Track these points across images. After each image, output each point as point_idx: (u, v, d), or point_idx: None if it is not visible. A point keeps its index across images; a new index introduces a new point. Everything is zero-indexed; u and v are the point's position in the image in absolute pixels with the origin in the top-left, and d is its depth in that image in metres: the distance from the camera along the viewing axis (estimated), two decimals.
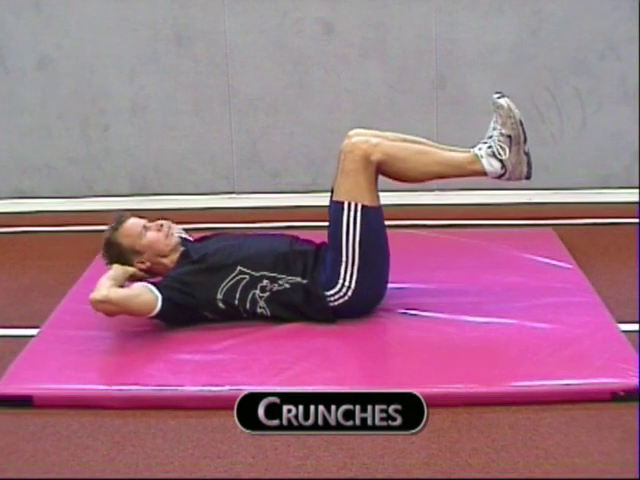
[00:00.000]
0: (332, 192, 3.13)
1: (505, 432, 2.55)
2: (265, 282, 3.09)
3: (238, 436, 2.56)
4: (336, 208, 3.08)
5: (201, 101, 4.61)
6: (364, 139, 3.08)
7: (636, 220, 4.13)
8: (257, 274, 3.10)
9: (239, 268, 3.10)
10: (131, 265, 3.16)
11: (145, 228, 3.20)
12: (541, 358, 2.84)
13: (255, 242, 3.23)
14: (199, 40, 4.54)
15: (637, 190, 4.46)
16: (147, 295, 3.02)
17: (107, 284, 3.01)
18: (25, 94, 4.63)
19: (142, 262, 3.17)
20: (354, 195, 3.06)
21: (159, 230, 3.21)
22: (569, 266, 3.55)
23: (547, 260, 3.60)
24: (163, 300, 3.02)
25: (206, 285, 3.09)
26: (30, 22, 4.54)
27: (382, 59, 4.52)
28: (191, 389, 2.76)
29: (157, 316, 3.05)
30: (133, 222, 3.22)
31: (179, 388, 2.75)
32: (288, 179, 4.66)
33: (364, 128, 3.18)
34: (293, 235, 3.29)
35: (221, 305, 3.10)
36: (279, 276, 3.10)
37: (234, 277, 3.10)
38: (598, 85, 4.49)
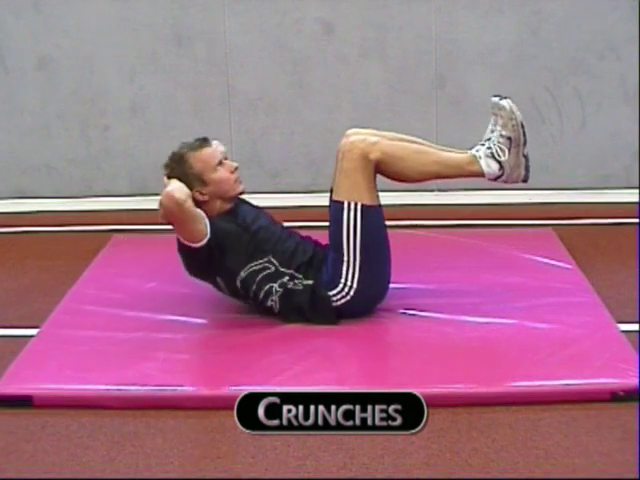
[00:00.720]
0: (331, 192, 3.13)
1: (505, 432, 2.55)
2: (286, 279, 3.09)
3: (238, 436, 2.56)
4: (336, 208, 3.08)
5: (201, 101, 4.61)
6: (362, 138, 3.07)
7: (636, 220, 4.13)
8: (282, 269, 3.09)
9: (270, 257, 3.10)
10: (190, 188, 3.06)
11: (220, 163, 3.14)
12: (541, 358, 2.84)
13: (290, 239, 3.19)
14: (199, 40, 4.54)
15: (637, 190, 4.46)
16: (203, 228, 3.00)
17: (187, 192, 2.97)
18: (25, 94, 4.63)
19: (202, 193, 3.11)
20: (354, 195, 3.05)
21: (232, 172, 3.17)
22: (569, 266, 3.55)
23: (547, 260, 3.60)
24: (208, 241, 3.01)
25: (238, 257, 3.07)
26: (30, 22, 4.54)
27: (382, 59, 4.52)
28: (191, 389, 2.76)
29: (191, 249, 3.02)
30: (213, 151, 3.14)
31: (179, 388, 2.75)
32: (288, 179, 4.66)
33: (364, 128, 3.18)
34: (316, 241, 3.25)
35: (238, 283, 3.09)
36: (298, 277, 3.09)
37: (262, 263, 3.09)
38: (598, 85, 4.49)
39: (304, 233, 3.34)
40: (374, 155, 3.04)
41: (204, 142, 3.16)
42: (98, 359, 2.95)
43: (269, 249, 3.11)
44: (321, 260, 3.14)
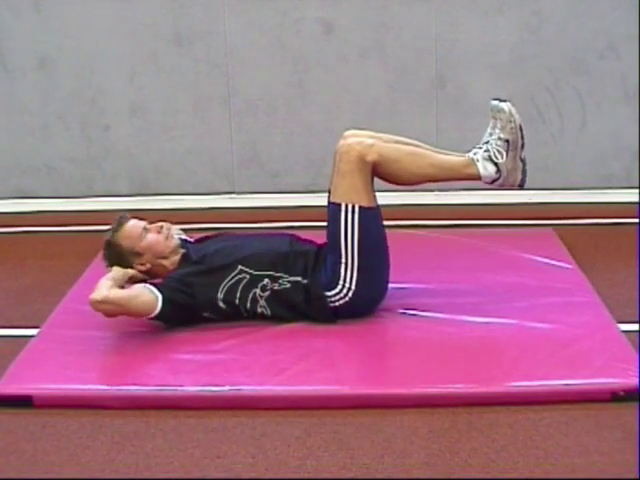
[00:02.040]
0: (329, 193, 3.13)
1: (505, 432, 2.55)
2: (266, 281, 3.10)
3: (238, 436, 2.56)
4: (334, 210, 3.08)
5: (201, 101, 4.61)
6: (359, 140, 3.08)
7: (636, 220, 4.13)
8: (257, 273, 3.10)
9: (240, 267, 3.11)
10: (131, 267, 3.16)
11: (145, 230, 3.21)
12: (541, 358, 2.84)
13: (256, 242, 3.23)
14: (199, 40, 4.54)
15: (637, 190, 4.46)
16: (147, 296, 3.02)
17: (107, 284, 3.01)
18: (25, 94, 4.63)
19: (142, 264, 3.18)
20: (351, 196, 3.06)
21: (159, 232, 3.22)
22: (569, 266, 3.55)
23: (547, 260, 3.60)
24: (164, 300, 3.02)
25: (207, 285, 3.09)
26: (30, 22, 4.54)
27: (382, 59, 4.52)
28: (191, 389, 2.76)
29: (157, 317, 3.05)
30: (133, 224, 3.22)
31: (179, 388, 2.75)
32: (288, 179, 4.66)
33: (364, 128, 3.19)
34: (293, 234, 3.30)
35: (222, 305, 3.10)
36: (279, 275, 3.10)
37: (235, 276, 3.10)
38: (598, 85, 4.49)
39: (304, 233, 3.34)
40: (371, 157, 3.04)
41: (121, 220, 3.23)
42: (98, 359, 2.95)
43: (233, 261, 3.12)
44: (315, 258, 3.14)
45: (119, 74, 4.59)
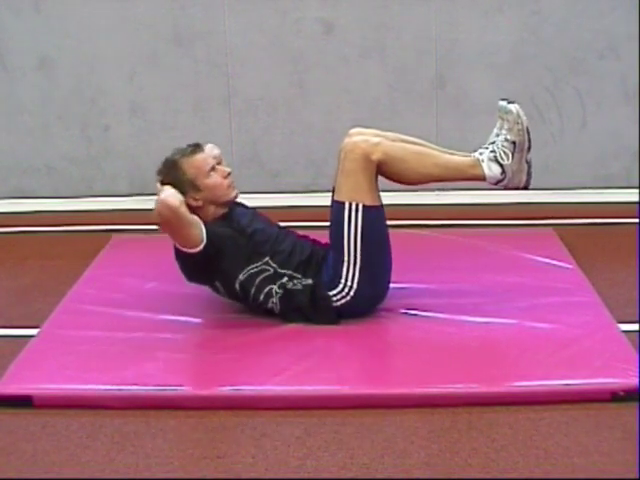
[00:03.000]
0: (333, 191, 3.13)
1: (505, 432, 2.55)
2: (285, 279, 3.09)
3: (238, 436, 2.56)
4: (337, 208, 3.08)
5: (201, 101, 4.61)
6: (364, 138, 3.07)
7: (636, 220, 4.13)
8: (281, 271, 3.09)
9: (267, 259, 3.10)
10: (183, 194, 3.05)
11: (213, 169, 3.15)
12: (541, 358, 2.84)
13: (287, 239, 3.19)
14: (199, 40, 4.54)
15: (637, 190, 4.46)
16: (199, 232, 3.00)
17: (180, 197, 2.97)
18: (25, 94, 4.63)
19: (196, 199, 3.10)
20: (355, 195, 3.05)
21: (225, 177, 3.17)
22: (569, 266, 3.55)
23: (547, 260, 3.60)
24: (205, 246, 3.00)
25: (235, 260, 3.07)
26: (30, 22, 4.54)
27: (382, 59, 4.52)
28: (191, 389, 2.76)
29: (188, 255, 3.02)
30: (205, 157, 3.14)
31: (179, 388, 2.75)
32: (288, 179, 4.66)
33: (364, 128, 3.18)
34: (315, 240, 3.26)
35: (237, 286, 3.09)
36: (297, 276, 3.10)
37: (259, 266, 3.09)
38: (598, 85, 4.49)
39: (305, 233, 3.34)
40: (376, 156, 3.04)
41: (197, 148, 3.15)
42: (98, 359, 2.95)
43: (266, 251, 3.11)
44: (320, 259, 3.14)
45: (119, 74, 4.59)
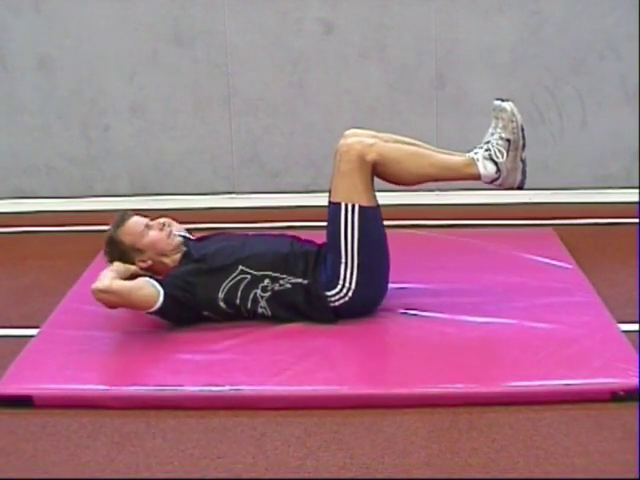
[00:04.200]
0: (330, 193, 3.13)
1: (505, 432, 2.55)
2: (266, 282, 3.10)
3: (238, 436, 2.56)
4: (334, 209, 3.08)
5: (201, 101, 4.61)
6: (359, 139, 3.08)
7: (636, 220, 4.13)
8: (258, 274, 3.10)
9: (240, 267, 3.11)
10: (133, 264, 3.17)
11: (147, 227, 3.21)
12: (541, 358, 2.84)
13: (256, 242, 3.23)
14: (199, 40, 4.54)
15: (637, 190, 4.46)
16: (149, 289, 3.03)
17: (110, 275, 3.03)
18: (25, 94, 4.63)
19: (144, 260, 3.18)
20: (351, 196, 3.06)
21: (161, 229, 3.22)
22: (569, 266, 3.55)
23: (547, 260, 3.60)
24: (165, 296, 3.02)
25: (208, 285, 3.09)
26: (30, 22, 4.54)
27: (382, 59, 4.52)
28: (191, 389, 2.76)
29: (158, 311, 3.05)
30: (135, 220, 3.22)
31: (179, 388, 2.75)
32: (288, 179, 4.66)
33: (364, 128, 3.19)
34: (294, 235, 3.30)
35: (222, 305, 3.10)
36: (280, 276, 3.10)
37: (236, 277, 3.10)
38: (598, 85, 4.49)
39: (304, 233, 3.34)
40: (371, 157, 3.04)
41: (124, 216, 3.23)
42: (98, 359, 2.95)
43: (234, 261, 3.12)
44: (315, 258, 3.14)
45: (119, 74, 4.59)
